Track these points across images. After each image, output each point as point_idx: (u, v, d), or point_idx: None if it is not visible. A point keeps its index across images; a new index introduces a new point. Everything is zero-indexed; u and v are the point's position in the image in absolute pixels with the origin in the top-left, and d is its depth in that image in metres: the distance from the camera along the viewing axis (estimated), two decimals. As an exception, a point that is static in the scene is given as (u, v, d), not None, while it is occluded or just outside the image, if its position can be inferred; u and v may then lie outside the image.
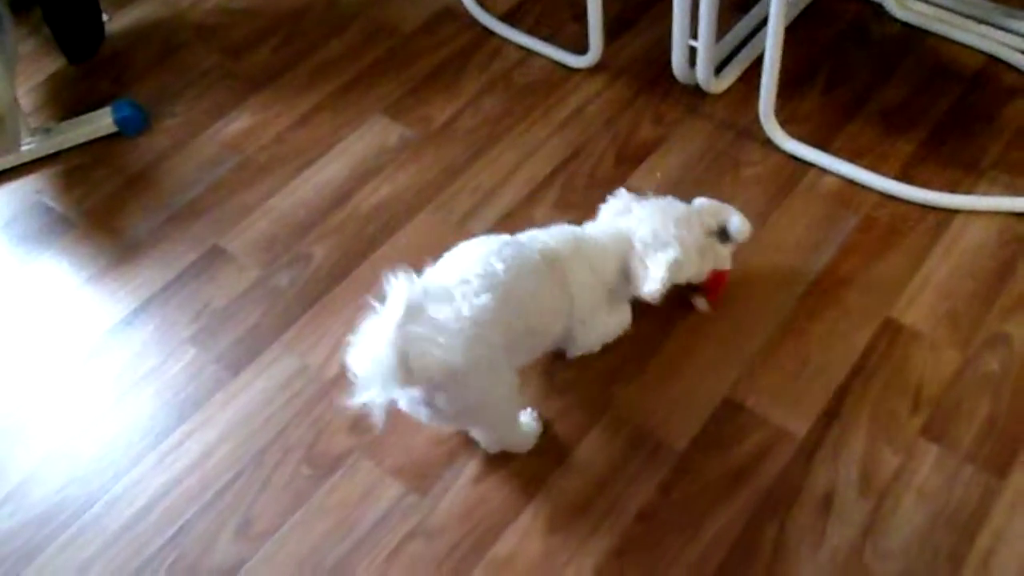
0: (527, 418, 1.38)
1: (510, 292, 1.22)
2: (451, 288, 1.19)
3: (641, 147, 1.77)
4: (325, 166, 1.81)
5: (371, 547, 1.30)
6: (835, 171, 1.69)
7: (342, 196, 1.76)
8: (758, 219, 1.63)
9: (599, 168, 1.75)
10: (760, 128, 1.74)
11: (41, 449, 1.46)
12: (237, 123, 1.92)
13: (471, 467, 1.37)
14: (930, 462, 1.33)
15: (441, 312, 1.15)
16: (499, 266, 1.22)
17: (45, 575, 1.32)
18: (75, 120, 1.90)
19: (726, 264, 1.47)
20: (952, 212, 1.62)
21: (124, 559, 1.32)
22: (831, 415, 1.39)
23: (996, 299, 1.50)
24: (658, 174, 1.73)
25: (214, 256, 1.69)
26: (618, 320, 1.44)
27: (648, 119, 1.82)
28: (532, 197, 1.71)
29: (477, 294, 1.18)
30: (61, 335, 1.60)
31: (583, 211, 1.67)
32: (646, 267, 1.34)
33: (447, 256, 1.29)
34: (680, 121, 1.81)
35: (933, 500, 1.29)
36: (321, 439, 1.42)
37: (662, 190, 1.67)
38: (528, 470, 1.36)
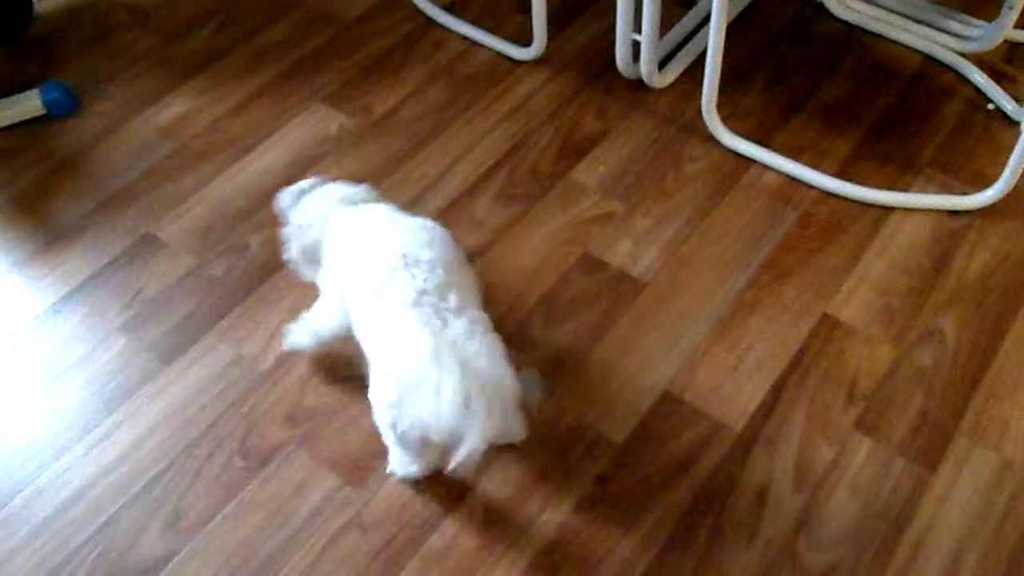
0: None
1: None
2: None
3: (584, 140, 1.77)
4: (263, 154, 1.78)
5: (305, 540, 1.28)
6: (775, 167, 1.71)
7: (280, 185, 1.70)
8: (699, 213, 1.65)
9: (542, 161, 1.74)
10: (702, 123, 1.75)
11: (-39, 441, 1.40)
12: (172, 109, 1.87)
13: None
14: (863, 455, 1.35)
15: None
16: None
17: (-37, 570, 1.27)
18: (2, 101, 1.83)
19: None
20: (889, 209, 1.65)
21: (49, 551, 1.28)
22: (768, 409, 1.40)
23: (930, 295, 1.53)
24: (601, 168, 1.72)
25: (147, 244, 1.64)
26: None
27: (592, 112, 1.82)
28: (474, 189, 1.70)
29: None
30: (-16, 323, 1.55)
31: (525, 203, 1.67)
32: None
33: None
34: (623, 115, 1.81)
35: (865, 492, 1.31)
36: (255, 430, 1.39)
37: (605, 184, 1.68)
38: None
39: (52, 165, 1.78)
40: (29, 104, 1.82)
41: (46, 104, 1.82)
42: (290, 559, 1.26)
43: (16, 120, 1.83)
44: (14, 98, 1.83)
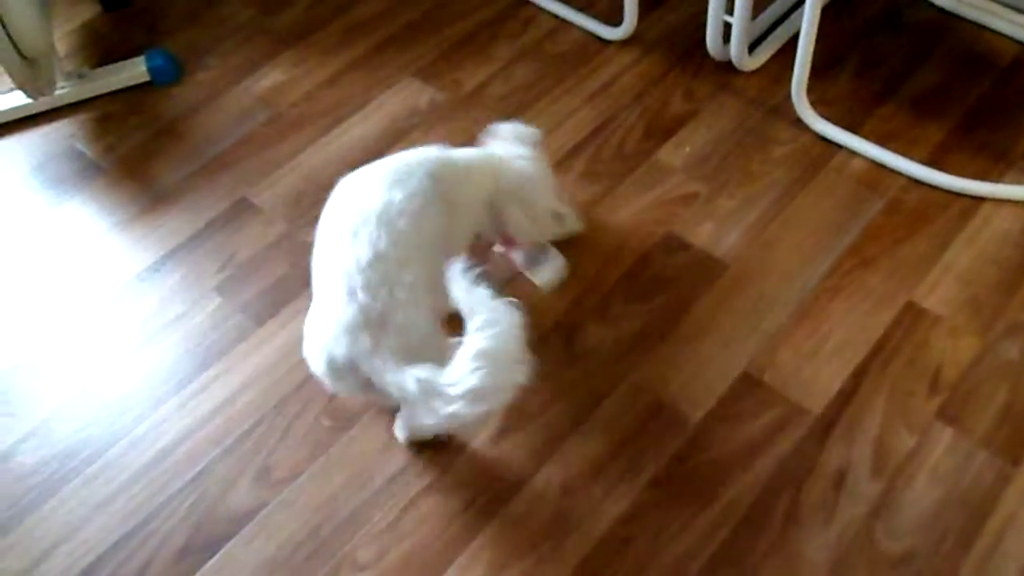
0: None
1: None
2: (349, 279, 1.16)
3: (671, 121, 1.77)
4: (355, 125, 1.82)
5: (387, 499, 1.32)
6: (864, 153, 1.69)
7: (371, 155, 1.75)
8: (784, 197, 1.64)
9: (627, 141, 1.75)
10: (791, 107, 1.74)
11: (66, 389, 1.48)
12: (269, 78, 1.93)
13: (489, 427, 1.39)
14: (945, 444, 1.34)
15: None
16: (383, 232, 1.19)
17: (67, 508, 1.34)
18: (109, 67, 1.92)
19: None
20: (979, 200, 1.62)
21: (145, 497, 1.35)
22: (848, 394, 1.40)
23: (1018, 288, 1.50)
24: (687, 149, 1.73)
25: (242, 208, 1.70)
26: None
27: (679, 94, 1.82)
28: (560, 166, 1.72)
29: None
30: (88, 279, 1.63)
31: (610, 181, 1.68)
32: None
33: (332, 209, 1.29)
34: (711, 97, 1.81)
35: (945, 482, 1.30)
36: (341, 392, 1.44)
37: (690, 165, 1.69)
38: (544, 433, 1.38)
39: (155, 130, 1.85)
40: (135, 71, 1.90)
41: (151, 71, 1.90)
42: (372, 517, 1.31)
43: (122, 86, 1.91)
44: (120, 64, 1.91)
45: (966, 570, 1.22)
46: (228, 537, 1.30)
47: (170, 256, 1.64)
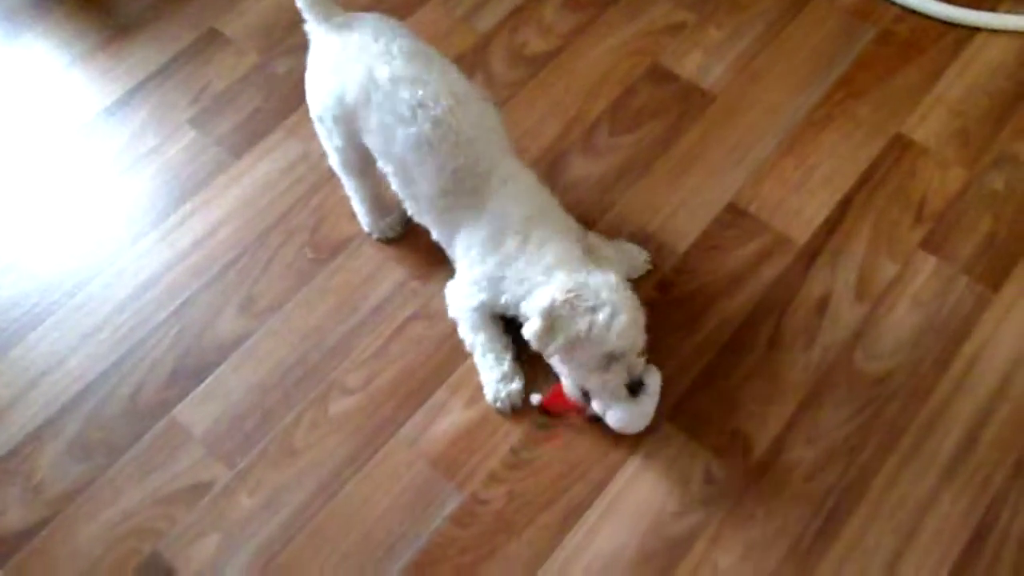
0: None
1: None
2: None
3: (659, -53, 1.70)
4: (327, -49, 1.73)
5: (374, 326, 1.32)
6: (857, -19, 1.64)
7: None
8: (774, 27, 1.59)
9: (614, -33, 1.68)
10: (784, -67, 1.67)
11: (41, 224, 1.45)
12: (234, -99, 1.81)
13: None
14: (927, 272, 1.35)
15: None
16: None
17: (51, 339, 1.33)
18: None
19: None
20: (973, 30, 1.58)
21: (130, 327, 1.34)
22: (833, 224, 1.40)
23: (1009, 120, 1.49)
24: (675, -23, 1.66)
25: (211, 39, 1.63)
26: None
27: (667, -82, 1.74)
28: (543, -6, 1.65)
29: None
30: (53, 115, 1.56)
31: (595, 9, 1.62)
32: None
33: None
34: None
35: (926, 308, 1.32)
36: (324, 224, 1.41)
37: (679, -9, 1.62)
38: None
39: (113, -44, 1.75)
40: None
41: None
42: (360, 342, 1.31)
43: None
44: None
45: (941, 389, 1.26)
46: (216, 364, 1.30)
47: (138, 89, 1.58)
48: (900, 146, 1.47)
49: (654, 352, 1.28)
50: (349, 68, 1.15)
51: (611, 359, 1.11)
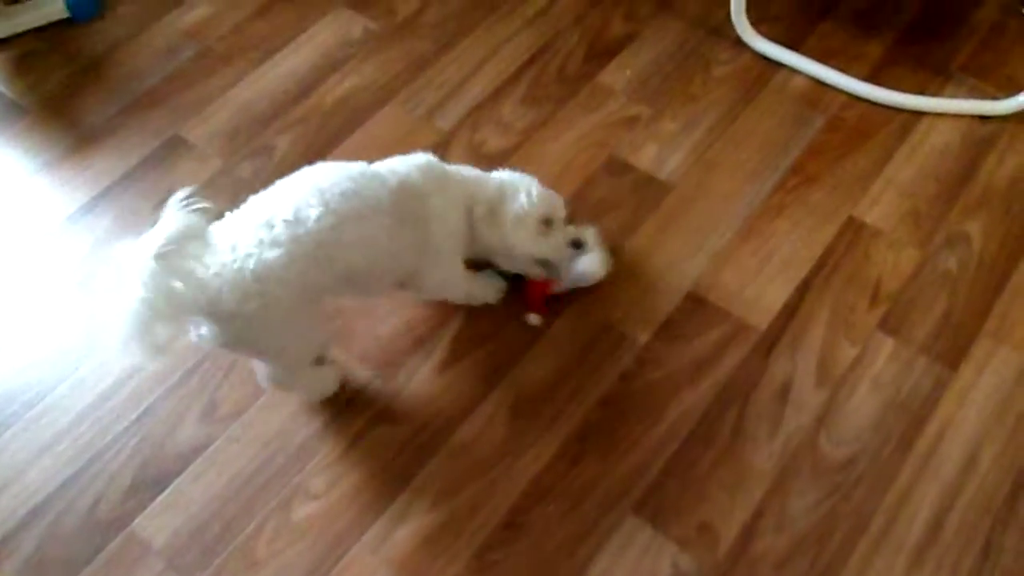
0: (327, 370, 1.33)
1: (324, 239, 1.12)
2: (246, 233, 1.11)
3: (612, 43, 1.75)
4: (287, 57, 1.77)
5: (337, 430, 1.31)
6: (804, 71, 1.69)
7: (305, 88, 1.72)
8: (727, 117, 1.64)
9: (568, 64, 1.73)
10: (731, 27, 1.73)
11: (1, 333, 1.44)
12: (195, 12, 1.86)
13: (436, 356, 1.38)
14: (886, 354, 1.36)
15: (219, 257, 1.09)
16: (313, 212, 1.12)
17: (10, 452, 1.31)
18: (25, 4, 1.83)
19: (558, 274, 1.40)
20: (919, 114, 1.63)
21: (90, 438, 1.32)
22: (792, 309, 1.41)
23: (957, 199, 1.52)
24: (628, 72, 1.71)
25: (175, 145, 1.65)
26: (480, 285, 1.40)
27: (619, 16, 1.80)
28: (500, 92, 1.69)
29: (272, 245, 1.09)
30: (17, 222, 1.57)
31: (552, 105, 1.66)
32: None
33: (285, 181, 1.19)
34: (652, 17, 1.79)
35: (887, 389, 1.33)
36: (286, 326, 1.41)
37: (632, 87, 1.67)
38: (491, 360, 1.37)
39: (78, 68, 1.77)
40: (52, 7, 1.81)
41: (69, 6, 1.81)
42: (322, 448, 1.30)
43: (41, 23, 1.82)
44: (38, 0, 1.82)
45: (906, 471, 1.26)
46: (177, 473, 1.28)
47: (102, 196, 1.59)
48: (853, 229, 1.49)
49: (618, 442, 1.29)
50: None
51: (547, 223, 1.33)
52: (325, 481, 1.27)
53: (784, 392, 1.33)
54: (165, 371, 1.38)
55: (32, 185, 1.62)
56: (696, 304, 1.42)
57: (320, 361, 1.33)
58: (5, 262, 1.52)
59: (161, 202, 1.55)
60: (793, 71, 1.70)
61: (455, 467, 1.28)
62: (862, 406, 1.31)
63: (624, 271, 1.46)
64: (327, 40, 1.79)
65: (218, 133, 1.66)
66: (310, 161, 1.56)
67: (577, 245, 1.38)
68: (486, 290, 1.41)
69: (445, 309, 1.41)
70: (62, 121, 1.70)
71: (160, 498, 1.26)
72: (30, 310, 1.46)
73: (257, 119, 1.68)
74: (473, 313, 1.41)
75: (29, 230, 1.56)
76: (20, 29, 1.82)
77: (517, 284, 1.42)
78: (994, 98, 1.63)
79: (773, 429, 1.30)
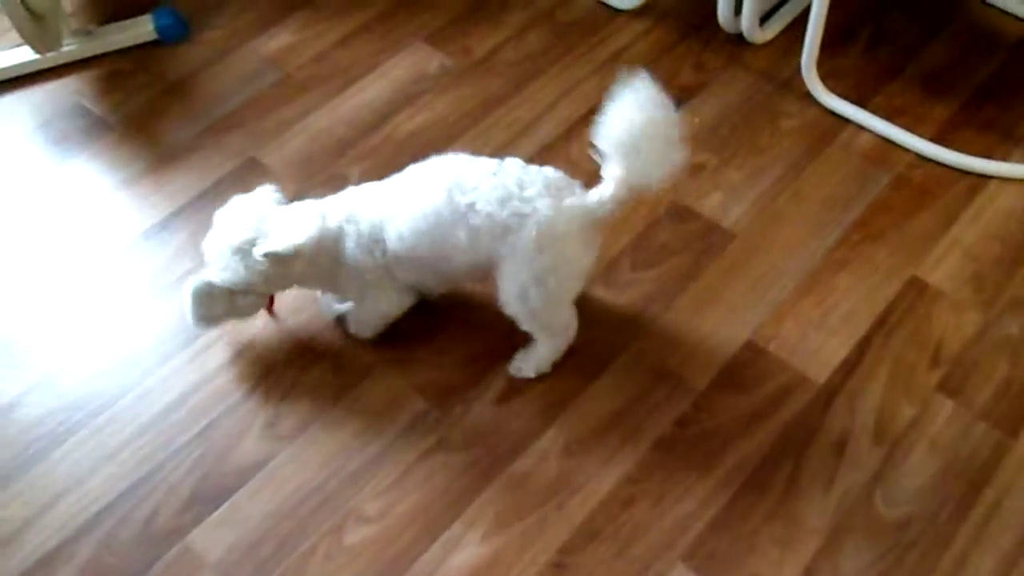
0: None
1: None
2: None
3: (681, 92, 1.78)
4: (364, 88, 1.82)
5: (394, 454, 1.33)
6: (872, 128, 1.70)
7: (379, 119, 1.77)
8: (792, 170, 1.65)
9: (637, 110, 1.75)
10: (800, 81, 1.74)
11: (72, 343, 1.48)
12: (277, 40, 1.92)
13: (494, 389, 1.40)
14: (945, 416, 1.35)
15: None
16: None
17: (72, 459, 1.35)
18: (116, 24, 1.91)
19: None
20: (985, 178, 1.63)
21: (152, 449, 1.35)
22: (851, 365, 1.41)
23: (1021, 264, 1.51)
24: (696, 120, 1.73)
25: (250, 168, 1.70)
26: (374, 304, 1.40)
27: (689, 65, 1.82)
28: (569, 133, 1.72)
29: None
30: (95, 236, 1.63)
31: (620, 149, 1.68)
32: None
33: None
34: (722, 69, 1.81)
35: (945, 452, 1.32)
36: (348, 348, 1.44)
37: (699, 136, 1.69)
38: (550, 395, 1.39)
39: (162, 89, 1.84)
40: (142, 29, 1.89)
41: (158, 29, 1.89)
42: (378, 472, 1.32)
43: (130, 44, 1.90)
44: (128, 22, 1.90)
45: (962, 538, 1.24)
46: (235, 489, 1.31)
47: (178, 214, 1.64)
48: (916, 289, 1.49)
49: (671, 488, 1.29)
50: None
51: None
52: (379, 506, 1.29)
53: (840, 448, 1.33)
54: (229, 387, 1.41)
55: (112, 200, 1.68)
56: (755, 354, 1.43)
57: None
58: (81, 273, 1.57)
59: (237, 223, 1.61)
60: (860, 128, 1.70)
61: (508, 500, 1.29)
62: (919, 467, 1.31)
63: (684, 317, 1.47)
64: (403, 74, 1.84)
65: (293, 158, 1.71)
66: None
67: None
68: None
69: (504, 342, 1.43)
70: (144, 139, 1.76)
71: (217, 513, 1.29)
72: (101, 321, 1.51)
73: (331, 147, 1.72)
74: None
75: (106, 243, 1.61)
76: (109, 48, 1.90)
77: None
78: (1064, 166, 1.63)
79: (827, 485, 1.29)
